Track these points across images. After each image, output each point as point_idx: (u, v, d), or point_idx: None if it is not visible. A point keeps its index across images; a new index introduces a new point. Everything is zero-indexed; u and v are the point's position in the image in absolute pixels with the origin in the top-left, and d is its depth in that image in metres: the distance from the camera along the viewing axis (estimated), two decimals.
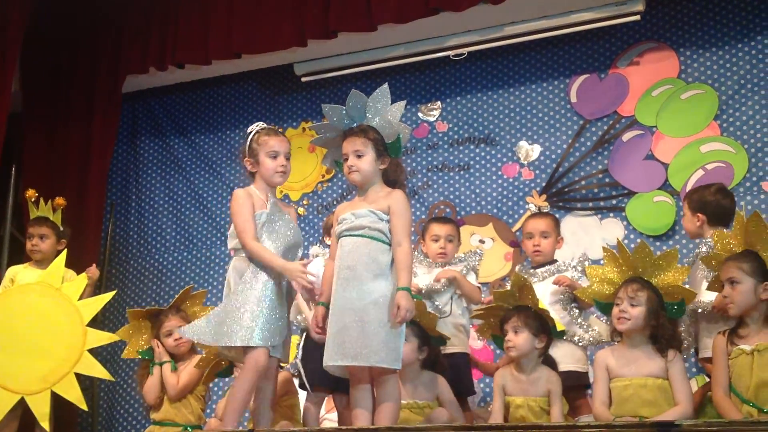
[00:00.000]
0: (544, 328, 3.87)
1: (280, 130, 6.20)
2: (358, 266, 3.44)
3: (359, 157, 3.55)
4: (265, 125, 3.83)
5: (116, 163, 6.70)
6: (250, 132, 3.80)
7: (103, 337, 4.71)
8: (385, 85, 3.59)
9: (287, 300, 3.68)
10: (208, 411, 4.74)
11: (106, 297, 4.86)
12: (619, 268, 3.76)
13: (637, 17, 5.39)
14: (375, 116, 3.56)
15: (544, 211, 5.34)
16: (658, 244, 5.15)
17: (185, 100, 6.73)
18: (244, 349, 3.52)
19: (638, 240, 4.99)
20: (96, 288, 5.47)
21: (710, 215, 4.03)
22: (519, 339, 3.83)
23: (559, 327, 3.96)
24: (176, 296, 4.64)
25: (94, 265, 5.29)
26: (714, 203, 4.09)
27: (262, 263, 3.57)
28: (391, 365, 3.38)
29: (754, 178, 5.11)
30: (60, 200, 5.37)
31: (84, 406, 4.57)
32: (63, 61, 6.49)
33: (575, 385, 4.15)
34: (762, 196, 5.06)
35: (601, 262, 3.93)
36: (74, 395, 4.52)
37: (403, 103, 3.62)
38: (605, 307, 3.83)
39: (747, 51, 5.30)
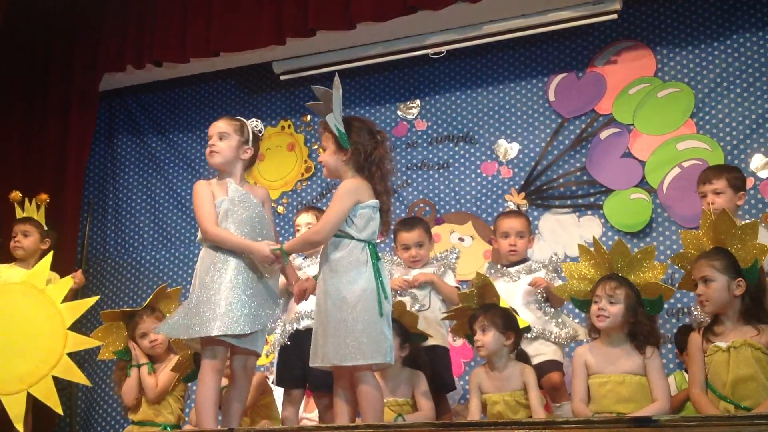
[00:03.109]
0: (510, 324, 3.91)
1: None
2: (320, 266, 3.48)
3: (324, 150, 3.58)
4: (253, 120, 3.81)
5: (93, 161, 6.65)
6: None
7: (84, 342, 4.62)
8: (336, 78, 3.53)
9: (268, 290, 3.61)
10: (188, 410, 4.71)
11: (90, 301, 4.76)
12: (596, 265, 3.78)
13: (614, 16, 5.42)
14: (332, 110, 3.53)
15: (516, 209, 5.37)
16: (635, 241, 5.19)
17: (163, 99, 6.69)
18: (201, 342, 3.48)
19: (616, 237, 5.04)
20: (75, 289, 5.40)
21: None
22: (487, 338, 3.89)
23: (523, 323, 3.99)
24: (151, 296, 4.61)
25: (80, 271, 5.23)
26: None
27: (228, 248, 3.51)
28: (353, 362, 3.33)
29: None
30: (43, 195, 5.31)
31: (59, 410, 4.49)
32: (39, 59, 6.42)
33: (550, 372, 4.17)
34: None
35: (579, 259, 3.96)
36: (50, 398, 4.45)
37: (331, 92, 3.49)
38: (582, 304, 3.86)
39: (723, 49, 5.35)
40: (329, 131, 3.52)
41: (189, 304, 3.52)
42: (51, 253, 4.85)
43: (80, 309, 4.67)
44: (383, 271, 3.44)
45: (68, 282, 4.74)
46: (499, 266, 4.53)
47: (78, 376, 4.56)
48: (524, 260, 4.48)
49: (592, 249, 3.82)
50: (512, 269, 4.44)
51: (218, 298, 3.44)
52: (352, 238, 3.42)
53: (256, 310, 3.49)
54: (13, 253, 5.17)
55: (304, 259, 4.46)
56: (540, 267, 4.38)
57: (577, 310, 4.12)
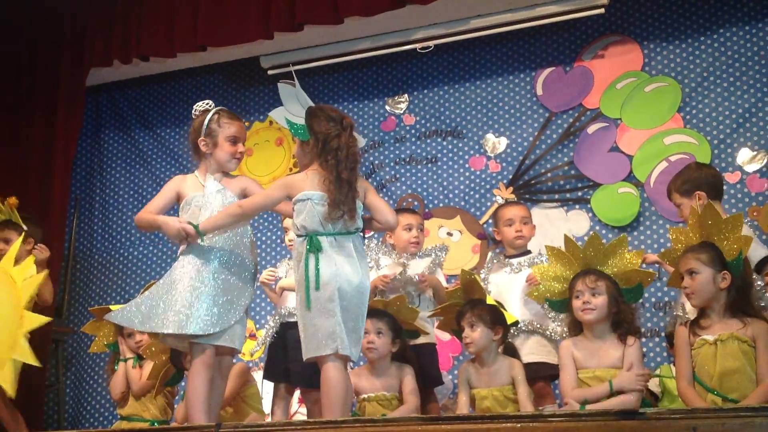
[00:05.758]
0: (498, 319, 3.92)
1: (247, 123, 6.21)
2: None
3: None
4: (221, 107, 3.73)
5: (80, 156, 6.62)
6: (206, 111, 3.68)
7: (37, 320, 4.43)
8: (292, 73, 3.60)
9: (244, 286, 3.59)
10: (176, 406, 4.71)
11: (40, 277, 4.58)
12: (568, 262, 3.79)
13: (602, 10, 5.43)
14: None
15: (515, 200, 5.39)
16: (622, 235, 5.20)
17: (150, 93, 6.66)
18: (189, 342, 3.46)
19: (604, 231, 5.06)
20: (61, 283, 5.35)
21: (707, 188, 4.09)
22: (475, 334, 3.89)
23: (511, 318, 3.99)
24: (140, 293, 4.58)
25: (43, 245, 5.09)
26: (704, 175, 4.18)
27: (145, 228, 3.62)
28: (308, 355, 3.34)
29: (717, 169, 5.17)
30: (12, 200, 5.19)
31: (10, 393, 4.32)
32: (25, 54, 6.38)
33: (542, 376, 4.20)
34: (724, 187, 5.12)
35: (548, 260, 3.97)
36: (6, 381, 4.27)
37: (283, 86, 3.54)
38: (556, 305, 3.87)
39: (709, 44, 5.37)
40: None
41: (148, 295, 3.50)
42: (23, 235, 4.68)
43: (32, 285, 4.48)
44: (322, 262, 3.32)
45: (30, 260, 4.57)
46: (501, 256, 4.53)
47: (31, 359, 4.35)
48: (527, 252, 4.48)
49: (560, 249, 3.83)
50: (514, 260, 4.44)
51: (179, 294, 3.43)
52: (298, 234, 3.41)
53: (221, 308, 3.46)
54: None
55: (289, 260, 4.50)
56: (543, 260, 4.36)
57: None
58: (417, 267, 4.42)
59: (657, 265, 4.34)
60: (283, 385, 4.37)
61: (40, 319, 4.29)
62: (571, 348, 3.70)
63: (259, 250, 6.02)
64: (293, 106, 3.48)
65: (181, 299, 3.42)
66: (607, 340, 3.66)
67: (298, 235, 3.40)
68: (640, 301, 3.96)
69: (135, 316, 3.46)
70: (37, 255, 4.81)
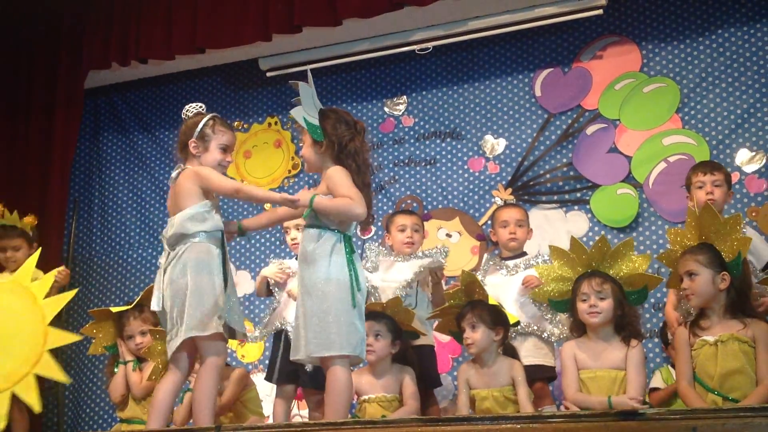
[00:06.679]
0: (499, 320, 3.91)
1: (246, 126, 6.22)
2: (299, 258, 3.44)
3: (303, 144, 3.56)
4: (215, 114, 3.68)
5: (79, 159, 6.61)
6: (201, 114, 3.63)
7: (64, 337, 4.51)
8: (308, 72, 3.57)
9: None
10: (175, 408, 4.70)
11: (69, 295, 4.68)
12: (572, 263, 3.79)
13: (600, 11, 5.43)
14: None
15: (513, 203, 5.39)
16: (621, 236, 5.19)
17: (148, 96, 6.66)
18: (201, 341, 3.42)
19: (602, 232, 5.07)
20: (60, 287, 5.33)
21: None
22: (476, 335, 3.89)
23: (512, 318, 3.99)
24: (139, 295, 4.57)
25: (64, 267, 5.14)
26: None
27: (259, 200, 3.69)
28: (321, 353, 3.28)
29: None
30: (30, 218, 5.19)
31: (38, 409, 4.36)
32: (24, 57, 6.39)
33: (540, 378, 4.19)
34: None
35: (551, 260, 3.97)
36: (31, 397, 4.32)
37: (302, 84, 3.50)
38: (558, 305, 3.87)
39: (708, 44, 5.37)
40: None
41: (193, 301, 3.42)
42: (39, 250, 4.77)
43: (60, 303, 4.50)
44: (358, 263, 3.36)
45: (51, 278, 4.63)
46: (497, 258, 4.53)
47: (58, 374, 4.42)
48: (523, 254, 4.49)
49: (564, 249, 3.83)
50: (510, 262, 4.44)
51: (210, 296, 3.39)
52: (327, 228, 3.35)
53: (236, 305, 3.50)
54: (5, 266, 5.07)
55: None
56: (539, 262, 4.36)
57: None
58: (415, 267, 4.42)
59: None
60: (290, 387, 4.36)
61: (68, 337, 4.30)
62: (573, 350, 3.70)
63: (258, 252, 6.05)
64: (309, 106, 3.46)
65: (229, 299, 3.43)
66: (611, 342, 3.66)
67: (325, 228, 3.34)
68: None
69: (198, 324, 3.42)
70: (60, 281, 4.84)
